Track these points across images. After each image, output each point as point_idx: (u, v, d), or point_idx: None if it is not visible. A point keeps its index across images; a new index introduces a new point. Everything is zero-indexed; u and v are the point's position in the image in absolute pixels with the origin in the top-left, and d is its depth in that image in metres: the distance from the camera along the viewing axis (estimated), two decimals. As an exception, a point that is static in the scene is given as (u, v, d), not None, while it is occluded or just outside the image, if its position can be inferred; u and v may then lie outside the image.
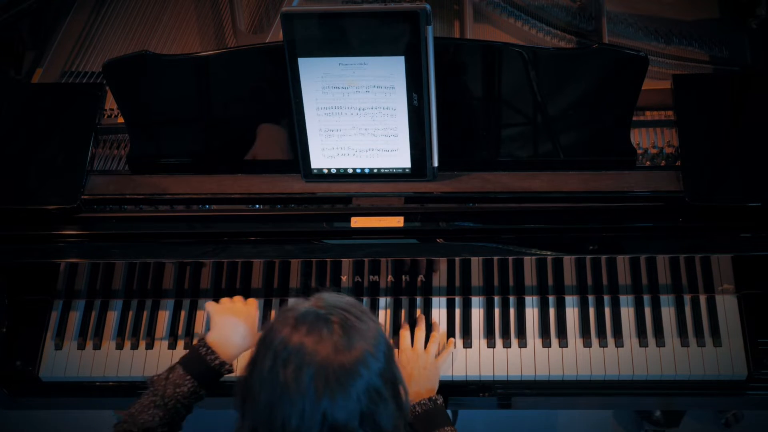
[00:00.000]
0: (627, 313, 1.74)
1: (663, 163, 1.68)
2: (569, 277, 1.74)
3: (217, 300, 1.63)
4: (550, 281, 1.74)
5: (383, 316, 1.77)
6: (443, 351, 1.70)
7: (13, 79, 1.90)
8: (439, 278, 1.75)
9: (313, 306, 1.15)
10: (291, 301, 1.18)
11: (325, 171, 1.65)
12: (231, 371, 1.52)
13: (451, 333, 1.74)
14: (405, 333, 1.70)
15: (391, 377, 1.17)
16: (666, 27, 1.91)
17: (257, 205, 1.66)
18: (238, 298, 1.63)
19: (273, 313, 1.77)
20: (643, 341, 1.70)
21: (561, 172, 1.64)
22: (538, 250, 1.63)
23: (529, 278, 1.75)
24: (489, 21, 1.94)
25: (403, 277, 1.75)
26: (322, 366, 1.09)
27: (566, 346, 1.72)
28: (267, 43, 1.63)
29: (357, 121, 1.58)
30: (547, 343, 1.72)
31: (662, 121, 1.74)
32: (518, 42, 1.89)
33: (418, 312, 1.75)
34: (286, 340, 1.11)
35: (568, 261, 1.71)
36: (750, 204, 1.58)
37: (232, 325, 1.55)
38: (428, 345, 1.68)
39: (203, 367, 1.47)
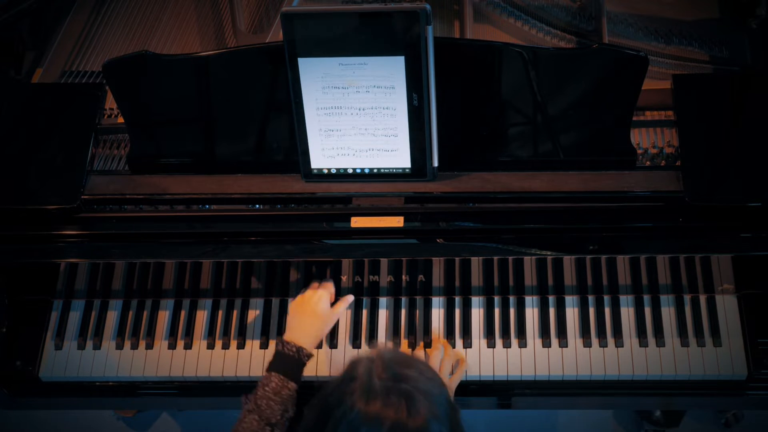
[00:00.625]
0: (627, 313, 1.74)
1: (663, 163, 1.68)
2: (569, 277, 1.74)
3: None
4: (550, 281, 1.75)
5: (383, 316, 1.77)
6: (457, 371, 1.70)
7: (13, 79, 1.90)
8: (439, 278, 1.75)
9: (377, 372, 1.17)
10: (349, 360, 1.22)
11: (325, 171, 1.65)
12: (311, 355, 1.59)
13: (451, 333, 1.74)
14: (419, 352, 1.70)
15: None
16: (666, 27, 1.91)
17: (257, 205, 1.66)
18: (312, 288, 1.69)
19: (273, 313, 1.78)
20: (643, 341, 1.70)
21: (561, 172, 1.64)
22: (538, 250, 1.63)
23: (529, 278, 1.75)
24: (489, 21, 1.94)
25: (403, 277, 1.75)
26: None
27: (566, 346, 1.72)
28: (267, 43, 1.63)
29: (357, 121, 1.58)
30: (547, 343, 1.72)
31: (662, 121, 1.74)
32: (518, 42, 1.89)
33: (434, 335, 1.74)
34: (363, 416, 1.14)
35: (568, 261, 1.71)
36: (750, 204, 1.58)
37: (303, 322, 1.63)
38: (442, 364, 1.67)
39: (282, 359, 1.55)
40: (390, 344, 1.74)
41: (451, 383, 1.67)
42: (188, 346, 1.76)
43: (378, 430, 1.12)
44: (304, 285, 1.77)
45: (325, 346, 1.74)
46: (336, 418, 1.15)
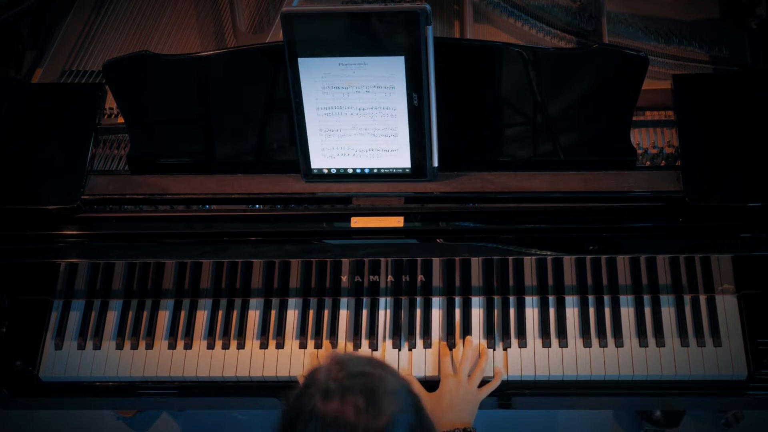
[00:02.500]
0: (627, 313, 1.74)
1: (663, 163, 1.68)
2: (569, 277, 1.74)
3: (218, 300, 1.62)
4: (550, 281, 1.74)
5: (383, 316, 1.77)
6: (490, 383, 1.68)
7: (13, 79, 1.90)
8: (439, 278, 1.75)
9: (333, 375, 1.16)
10: (309, 371, 1.21)
11: (325, 171, 1.65)
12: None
13: (451, 333, 1.74)
14: (447, 360, 1.68)
15: (422, 428, 1.18)
16: (666, 27, 1.91)
17: (257, 205, 1.66)
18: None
19: (273, 313, 1.78)
20: (643, 341, 1.70)
21: (561, 172, 1.64)
22: (538, 250, 1.63)
23: (529, 278, 1.74)
24: (489, 21, 1.94)
25: (403, 277, 1.75)
26: None
27: (566, 346, 1.72)
28: (267, 43, 1.63)
29: (357, 121, 1.58)
30: (547, 343, 1.72)
31: (662, 121, 1.74)
32: (518, 42, 1.89)
33: (467, 339, 1.72)
34: (323, 420, 1.12)
35: (568, 261, 1.71)
36: (750, 204, 1.58)
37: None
38: (473, 375, 1.66)
39: None
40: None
41: (481, 394, 1.65)
42: (188, 346, 1.76)
43: (341, 430, 1.11)
44: (304, 285, 1.77)
45: (326, 347, 1.74)
46: (300, 429, 1.13)
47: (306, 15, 1.48)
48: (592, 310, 1.74)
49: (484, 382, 1.69)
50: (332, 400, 1.12)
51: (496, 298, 1.77)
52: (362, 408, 1.11)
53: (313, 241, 1.64)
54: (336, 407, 1.12)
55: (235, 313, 1.78)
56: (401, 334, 1.75)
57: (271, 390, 1.76)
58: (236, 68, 1.60)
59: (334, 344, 1.75)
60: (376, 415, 1.12)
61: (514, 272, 1.74)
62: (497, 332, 1.73)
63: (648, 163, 1.69)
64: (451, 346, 1.73)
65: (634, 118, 1.69)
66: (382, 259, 1.72)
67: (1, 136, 1.73)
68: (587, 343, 1.71)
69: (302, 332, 1.76)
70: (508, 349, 1.72)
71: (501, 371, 1.69)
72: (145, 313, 1.79)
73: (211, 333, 1.76)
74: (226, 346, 1.76)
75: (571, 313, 1.74)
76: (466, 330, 1.73)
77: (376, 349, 1.74)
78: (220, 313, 1.79)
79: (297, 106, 1.57)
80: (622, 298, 1.75)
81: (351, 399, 1.12)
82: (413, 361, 1.72)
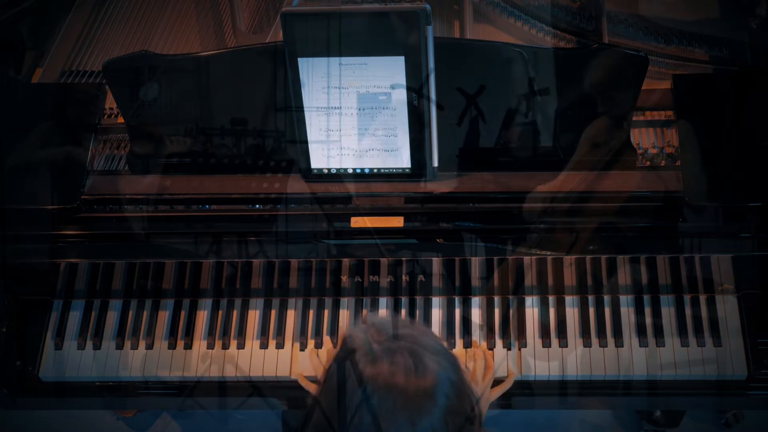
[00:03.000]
0: (627, 313, 1.73)
1: (663, 163, 1.68)
2: (569, 277, 1.74)
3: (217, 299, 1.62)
4: (550, 281, 1.74)
5: (383, 316, 1.76)
6: (503, 383, 1.67)
7: (13, 79, 1.90)
8: (439, 278, 1.75)
9: (374, 338, 1.14)
10: (342, 341, 1.19)
11: (325, 171, 1.65)
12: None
13: (451, 333, 1.74)
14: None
15: (463, 386, 1.18)
16: (666, 27, 1.91)
17: (257, 205, 1.66)
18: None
19: (273, 313, 1.78)
20: (643, 341, 1.70)
21: (561, 172, 1.64)
22: (538, 250, 1.63)
23: (529, 278, 1.74)
24: (489, 21, 1.94)
25: (403, 277, 1.75)
26: (410, 399, 1.10)
27: (566, 346, 1.72)
28: (267, 43, 1.63)
29: (357, 121, 1.58)
30: (546, 343, 1.72)
31: (662, 121, 1.74)
32: (518, 42, 1.89)
33: (474, 341, 1.72)
34: (373, 384, 1.11)
35: (568, 261, 1.71)
36: (750, 204, 1.58)
37: None
38: (486, 375, 1.66)
39: None
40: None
41: (493, 394, 1.65)
42: (188, 346, 1.76)
43: (391, 395, 1.09)
44: (304, 285, 1.77)
45: (329, 345, 1.74)
46: (348, 396, 1.12)
47: (306, 15, 1.48)
48: (592, 310, 1.74)
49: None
50: (381, 364, 1.11)
51: (496, 298, 1.76)
52: (411, 368, 1.10)
53: (313, 241, 1.64)
54: (385, 370, 1.10)
55: (235, 313, 1.78)
56: (401, 334, 1.74)
57: (271, 390, 1.76)
58: (236, 68, 1.60)
59: (335, 343, 1.75)
60: (424, 375, 1.11)
61: (514, 272, 1.74)
62: (497, 332, 1.73)
63: (648, 163, 1.69)
64: (451, 346, 1.73)
65: (634, 118, 1.69)
66: (382, 259, 1.72)
67: (1, 136, 1.73)
68: (587, 343, 1.71)
69: (302, 332, 1.76)
70: (508, 350, 1.72)
71: (514, 372, 1.69)
72: (145, 313, 1.79)
73: (211, 333, 1.76)
74: (226, 346, 1.76)
75: (571, 313, 1.74)
76: (466, 330, 1.73)
77: (376, 349, 1.74)
78: (220, 313, 1.79)
79: (297, 106, 1.57)
80: (622, 298, 1.75)
81: (400, 360, 1.11)
82: (413, 361, 1.72)
